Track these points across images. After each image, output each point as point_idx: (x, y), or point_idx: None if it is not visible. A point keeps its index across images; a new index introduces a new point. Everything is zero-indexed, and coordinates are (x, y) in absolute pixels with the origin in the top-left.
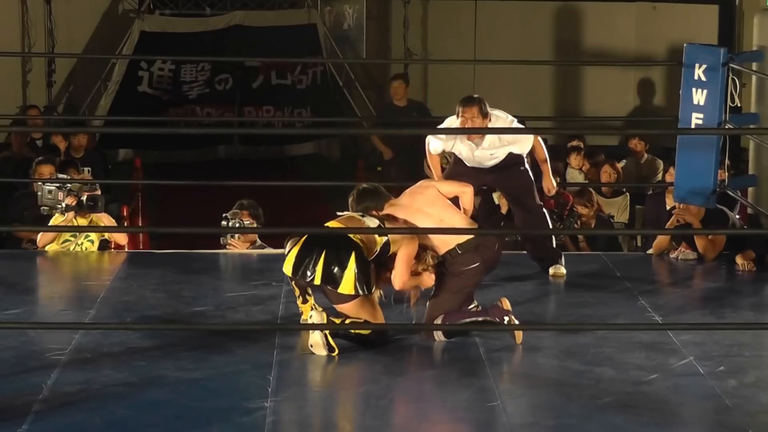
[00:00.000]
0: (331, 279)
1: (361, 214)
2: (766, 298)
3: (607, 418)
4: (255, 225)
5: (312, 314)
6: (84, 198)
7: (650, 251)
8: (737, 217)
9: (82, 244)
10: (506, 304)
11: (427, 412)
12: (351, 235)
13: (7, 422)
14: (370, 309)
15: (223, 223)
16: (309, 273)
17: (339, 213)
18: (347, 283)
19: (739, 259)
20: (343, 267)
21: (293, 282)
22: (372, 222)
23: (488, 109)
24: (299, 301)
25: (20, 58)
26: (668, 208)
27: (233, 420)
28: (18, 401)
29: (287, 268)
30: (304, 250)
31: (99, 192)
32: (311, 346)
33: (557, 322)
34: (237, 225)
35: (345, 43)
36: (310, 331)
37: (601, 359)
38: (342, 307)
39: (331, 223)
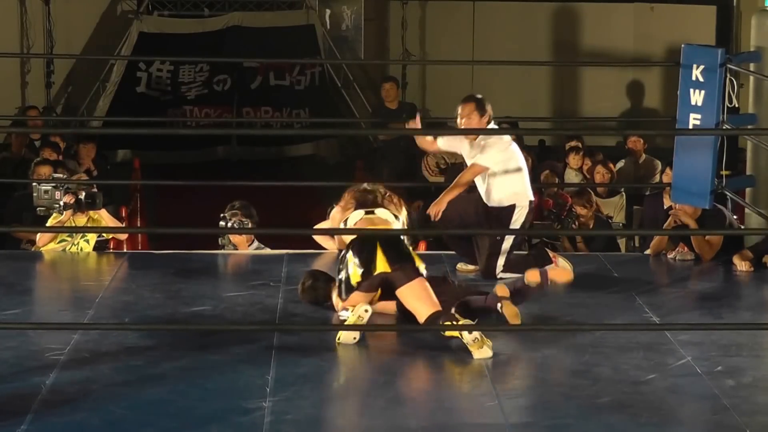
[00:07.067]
0: (400, 258)
1: None
2: (764, 299)
3: (605, 418)
4: (251, 225)
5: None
6: (82, 196)
7: (647, 251)
8: (734, 217)
9: (78, 243)
10: (502, 291)
11: (426, 412)
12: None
13: (6, 422)
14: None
15: (222, 223)
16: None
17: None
18: (418, 260)
19: (736, 260)
20: (404, 245)
21: (362, 288)
22: None
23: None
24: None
25: (19, 59)
26: (665, 208)
27: (232, 420)
28: (17, 401)
29: (355, 277)
30: (359, 252)
31: (96, 189)
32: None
33: (555, 322)
34: (236, 225)
35: (343, 44)
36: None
37: (599, 359)
38: (414, 294)
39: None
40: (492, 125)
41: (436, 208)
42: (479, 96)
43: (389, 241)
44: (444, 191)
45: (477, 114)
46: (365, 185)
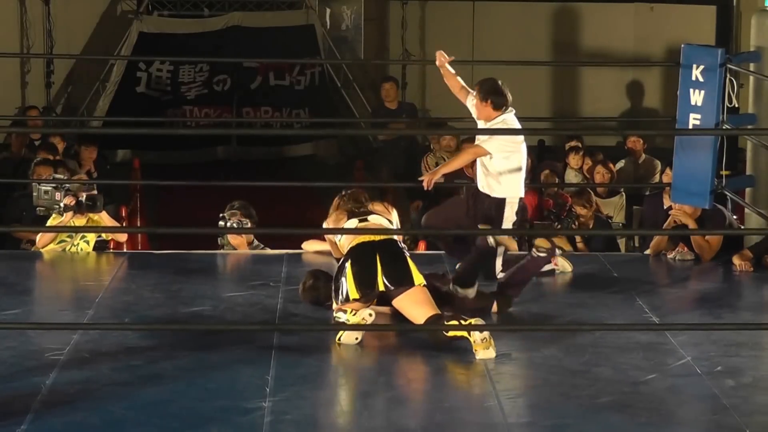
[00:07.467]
0: (400, 279)
1: None
2: (764, 299)
3: (605, 418)
4: (250, 225)
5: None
6: (83, 198)
7: (647, 251)
8: (734, 217)
9: (77, 244)
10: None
11: (425, 412)
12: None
13: (6, 422)
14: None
15: (221, 223)
16: (374, 284)
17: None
18: (417, 276)
19: (736, 260)
20: (404, 262)
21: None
22: None
23: (494, 100)
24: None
25: (19, 59)
26: (665, 208)
27: (231, 420)
28: (17, 401)
29: (353, 292)
30: (358, 268)
31: (96, 191)
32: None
33: (555, 322)
34: (235, 225)
35: (343, 44)
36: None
37: (599, 359)
38: (412, 301)
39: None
40: (509, 114)
41: (429, 178)
42: (493, 82)
43: (390, 258)
44: (441, 164)
45: (479, 97)
46: (348, 193)
